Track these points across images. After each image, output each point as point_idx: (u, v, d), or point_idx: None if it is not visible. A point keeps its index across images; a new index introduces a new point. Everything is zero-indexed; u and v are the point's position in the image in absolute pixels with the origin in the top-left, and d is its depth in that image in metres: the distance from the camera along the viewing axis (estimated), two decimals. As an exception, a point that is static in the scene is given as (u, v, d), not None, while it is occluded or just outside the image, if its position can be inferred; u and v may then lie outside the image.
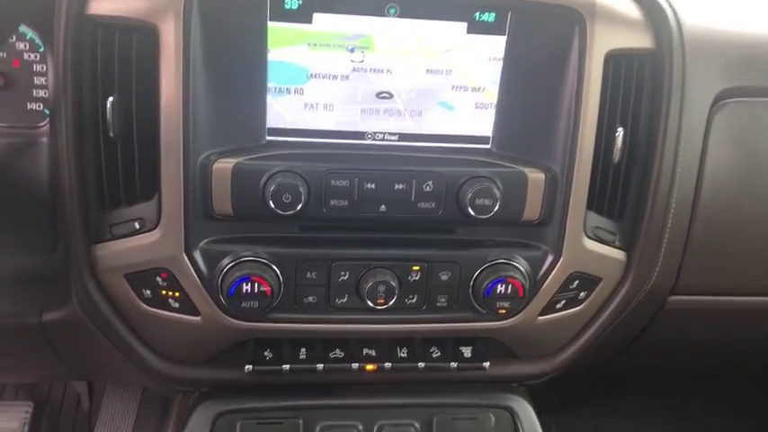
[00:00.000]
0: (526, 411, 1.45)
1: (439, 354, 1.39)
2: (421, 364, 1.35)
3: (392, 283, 1.19)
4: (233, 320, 1.25)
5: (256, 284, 1.18)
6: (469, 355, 1.40)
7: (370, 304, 1.22)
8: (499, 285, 1.22)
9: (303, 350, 1.38)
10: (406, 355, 1.37)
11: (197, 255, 1.19)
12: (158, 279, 1.21)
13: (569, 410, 2.22)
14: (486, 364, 1.37)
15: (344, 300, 1.23)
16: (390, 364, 1.35)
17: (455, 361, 1.36)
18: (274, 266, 1.18)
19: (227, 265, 1.18)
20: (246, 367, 1.34)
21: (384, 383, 1.41)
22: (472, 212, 1.14)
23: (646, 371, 1.82)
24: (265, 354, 1.36)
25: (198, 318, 1.25)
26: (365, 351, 1.38)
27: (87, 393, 2.20)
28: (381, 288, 1.20)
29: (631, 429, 2.09)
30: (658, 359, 1.63)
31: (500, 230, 1.24)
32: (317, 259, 1.20)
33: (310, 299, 1.26)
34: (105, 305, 1.22)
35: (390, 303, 1.21)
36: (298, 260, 1.19)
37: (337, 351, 1.39)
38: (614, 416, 2.18)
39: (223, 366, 1.37)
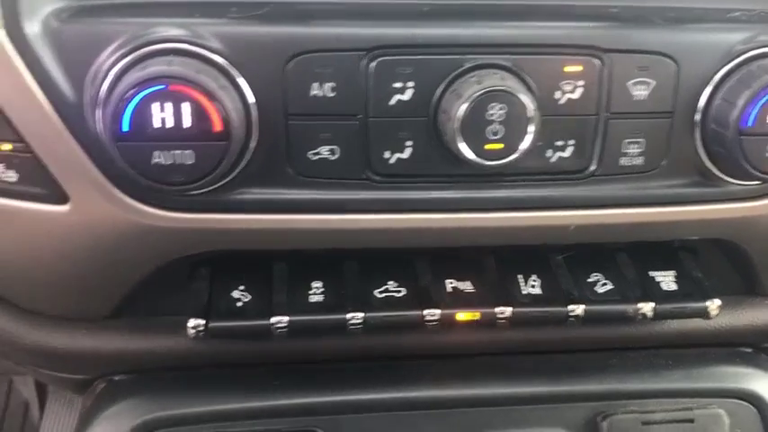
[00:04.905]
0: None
1: (610, 287, 0.82)
2: (575, 309, 0.79)
3: (520, 112, 0.64)
4: (143, 207, 0.68)
5: (188, 106, 0.60)
6: (672, 285, 0.83)
7: (470, 156, 0.65)
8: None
9: (318, 285, 0.79)
10: (540, 290, 0.81)
11: (38, 35, 0.63)
12: None
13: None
14: (714, 303, 0.81)
15: (405, 153, 0.67)
16: (510, 309, 0.78)
17: (646, 299, 0.80)
18: (229, 67, 0.64)
19: (117, 57, 0.62)
20: (192, 324, 0.75)
21: (489, 354, 0.88)
22: None
23: None
24: (234, 294, 0.77)
25: (64, 207, 0.68)
26: (450, 283, 0.80)
27: (37, 400, 1.75)
28: (496, 111, 0.63)
29: None
30: None
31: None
32: (338, 45, 0.65)
33: (324, 153, 0.66)
34: None
35: (517, 153, 0.65)
36: (289, 50, 0.64)
37: (390, 284, 0.79)
38: None
39: (144, 326, 0.83)
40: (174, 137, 0.62)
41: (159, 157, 0.62)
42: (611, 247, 0.87)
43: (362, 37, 0.65)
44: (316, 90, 0.66)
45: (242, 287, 0.79)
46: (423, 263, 0.83)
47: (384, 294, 0.79)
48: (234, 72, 0.64)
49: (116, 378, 0.86)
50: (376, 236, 0.72)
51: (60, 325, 0.83)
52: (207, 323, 0.75)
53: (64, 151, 0.66)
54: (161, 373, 0.85)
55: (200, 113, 0.61)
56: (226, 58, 0.64)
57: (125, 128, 0.61)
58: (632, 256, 0.86)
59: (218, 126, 0.62)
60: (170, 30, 0.63)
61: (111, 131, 0.61)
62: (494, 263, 0.84)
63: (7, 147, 0.66)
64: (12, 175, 0.68)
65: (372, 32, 0.65)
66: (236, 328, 0.76)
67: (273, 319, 0.76)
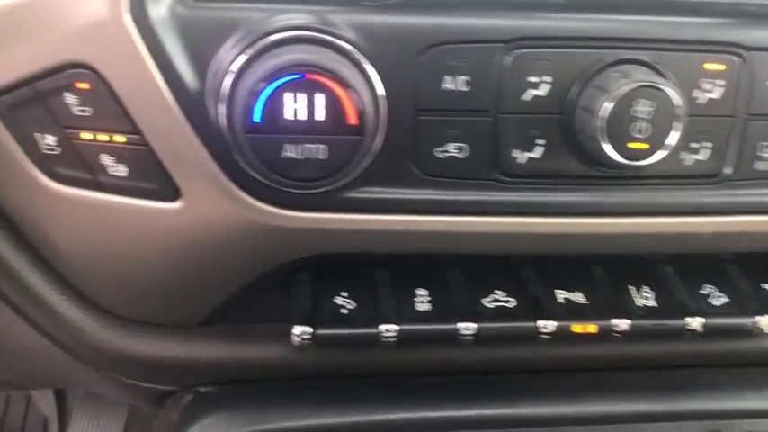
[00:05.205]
0: None
1: (725, 299, 0.77)
2: (692, 322, 0.74)
3: (668, 109, 0.60)
4: (261, 205, 0.64)
5: (323, 97, 0.57)
6: (791, 298, 0.81)
7: (613, 156, 0.61)
8: None
9: (423, 293, 0.74)
10: (654, 302, 0.76)
11: (163, 20, 0.59)
12: (69, 96, 0.61)
13: None
14: None
15: (535, 152, 0.64)
16: (627, 321, 0.73)
17: (765, 312, 0.76)
18: (361, 58, 0.60)
19: (245, 44, 0.58)
20: (298, 332, 0.70)
21: (594, 370, 0.82)
22: None
23: None
24: (338, 300, 0.72)
25: (175, 204, 0.64)
26: (560, 294, 0.76)
27: (56, 416, 1.67)
28: (644, 108, 0.59)
29: None
30: None
31: None
32: (476, 36, 0.61)
33: (452, 150, 0.63)
34: None
35: (664, 152, 0.62)
36: (424, 41, 0.60)
37: (498, 293, 0.75)
38: None
39: (239, 333, 0.78)
40: (306, 130, 0.58)
41: (290, 151, 0.58)
42: (719, 258, 0.82)
43: (502, 28, 0.61)
44: (448, 84, 0.61)
45: (345, 294, 0.74)
46: (528, 272, 0.78)
47: (494, 304, 0.74)
48: (365, 63, 0.59)
49: (203, 389, 0.80)
50: (498, 240, 0.68)
51: (150, 331, 0.77)
52: (314, 331, 0.70)
53: (182, 144, 0.61)
54: (250, 384, 0.79)
55: (335, 105, 0.57)
56: (358, 49, 0.59)
57: (256, 119, 0.57)
58: (742, 267, 0.81)
59: (352, 119, 0.58)
60: (300, 17, 0.59)
61: (241, 122, 0.57)
62: (602, 272, 0.79)
63: (121, 139, 0.61)
64: (122, 170, 0.63)
65: (512, 24, 0.61)
66: (344, 336, 0.70)
67: (382, 328, 0.70)
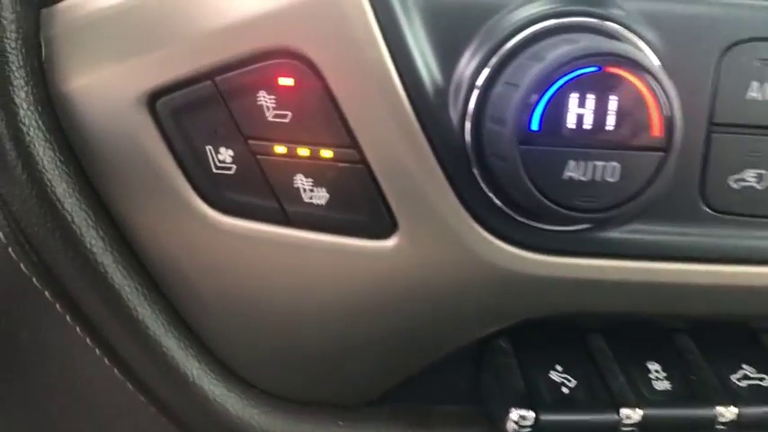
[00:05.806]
0: None
1: None
2: None
3: None
4: (509, 248, 0.49)
5: (623, 99, 0.43)
6: None
7: None
8: None
9: (656, 367, 0.59)
10: None
11: (405, 4, 0.46)
12: (264, 95, 0.47)
13: None
14: None
15: None
16: None
17: None
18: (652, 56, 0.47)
19: (510, 31, 0.45)
20: (515, 417, 0.54)
21: None
22: None
23: None
24: (553, 376, 0.57)
25: (386, 242, 0.49)
26: None
27: None
28: None
29: None
30: None
31: None
32: None
33: (750, 179, 0.50)
34: (78, 201, 0.52)
35: None
36: (730, 37, 0.47)
37: (747, 369, 0.60)
38: None
39: (418, 417, 0.60)
40: (596, 142, 0.43)
41: (574, 170, 0.43)
42: None
43: None
44: (754, 92, 0.47)
45: (559, 368, 0.60)
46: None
47: (746, 382, 0.60)
48: (657, 63, 0.46)
49: None
50: None
51: (307, 412, 0.58)
52: (537, 416, 0.54)
53: (411, 163, 0.46)
54: None
55: (637, 110, 0.43)
56: (649, 44, 0.46)
57: (534, 126, 0.43)
58: None
59: (656, 129, 0.44)
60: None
61: (516, 129, 0.43)
62: None
63: (327, 154, 0.46)
64: (321, 196, 0.47)
65: None
66: (575, 423, 0.54)
67: (623, 413, 0.55)
